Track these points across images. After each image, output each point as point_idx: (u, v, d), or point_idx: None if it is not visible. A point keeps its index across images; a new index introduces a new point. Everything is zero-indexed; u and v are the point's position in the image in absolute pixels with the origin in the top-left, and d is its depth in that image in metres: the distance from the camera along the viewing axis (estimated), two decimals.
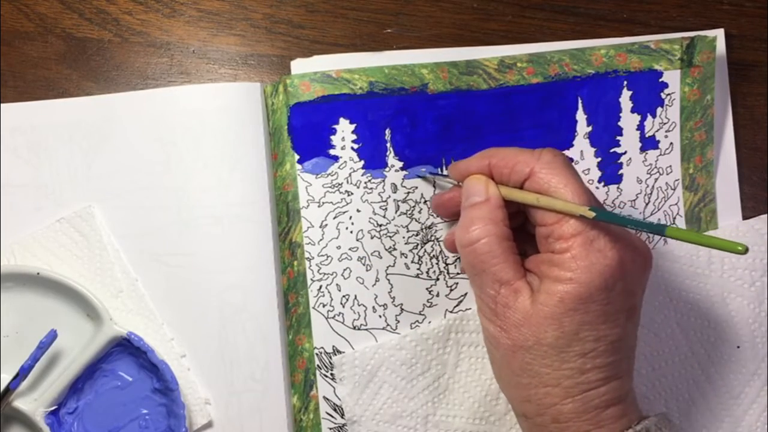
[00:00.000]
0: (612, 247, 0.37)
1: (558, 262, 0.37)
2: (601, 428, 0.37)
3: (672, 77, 0.49)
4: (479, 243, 0.39)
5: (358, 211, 0.48)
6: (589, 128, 0.49)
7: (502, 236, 0.39)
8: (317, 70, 0.48)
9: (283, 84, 0.48)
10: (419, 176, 0.48)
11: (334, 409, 0.47)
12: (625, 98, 0.49)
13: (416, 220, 0.48)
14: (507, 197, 0.40)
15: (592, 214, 0.36)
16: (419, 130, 0.48)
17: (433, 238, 0.48)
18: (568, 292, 0.37)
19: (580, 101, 0.49)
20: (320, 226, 0.48)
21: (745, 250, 0.32)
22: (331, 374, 0.47)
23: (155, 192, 0.47)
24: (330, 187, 0.48)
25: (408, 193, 0.48)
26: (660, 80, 0.49)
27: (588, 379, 0.37)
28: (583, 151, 0.49)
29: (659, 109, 0.49)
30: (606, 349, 0.37)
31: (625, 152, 0.50)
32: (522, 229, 0.43)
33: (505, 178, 0.40)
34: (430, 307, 0.48)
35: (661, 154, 0.50)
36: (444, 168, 0.48)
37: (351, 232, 0.48)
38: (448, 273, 0.48)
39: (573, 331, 0.37)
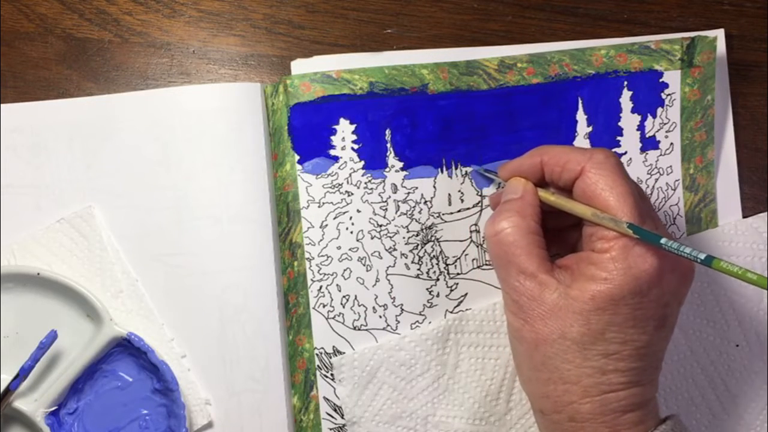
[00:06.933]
0: (653, 254, 0.37)
1: (596, 261, 0.38)
2: None
3: (672, 77, 0.49)
4: (503, 233, 0.40)
5: (358, 211, 0.48)
6: (590, 128, 0.49)
7: (528, 229, 0.40)
8: (317, 71, 0.48)
9: (284, 84, 0.47)
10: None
11: (335, 410, 0.47)
12: (626, 98, 0.49)
13: (416, 221, 0.48)
14: (556, 205, 0.41)
15: (630, 232, 0.37)
16: (419, 130, 0.48)
17: (433, 238, 0.48)
18: (600, 291, 0.37)
19: (580, 101, 0.49)
20: (320, 227, 0.48)
21: None
22: (331, 374, 0.47)
23: (155, 192, 0.47)
24: (330, 187, 0.48)
25: (408, 193, 0.48)
26: (660, 80, 0.49)
27: (608, 381, 0.37)
28: None
29: (659, 110, 0.49)
30: (630, 354, 0.37)
31: (626, 152, 0.49)
32: (560, 234, 0.44)
33: (556, 176, 0.41)
34: (430, 307, 0.48)
35: (661, 155, 0.50)
36: (444, 167, 0.48)
37: (351, 232, 0.48)
38: (448, 273, 0.48)
39: (599, 329, 0.37)
